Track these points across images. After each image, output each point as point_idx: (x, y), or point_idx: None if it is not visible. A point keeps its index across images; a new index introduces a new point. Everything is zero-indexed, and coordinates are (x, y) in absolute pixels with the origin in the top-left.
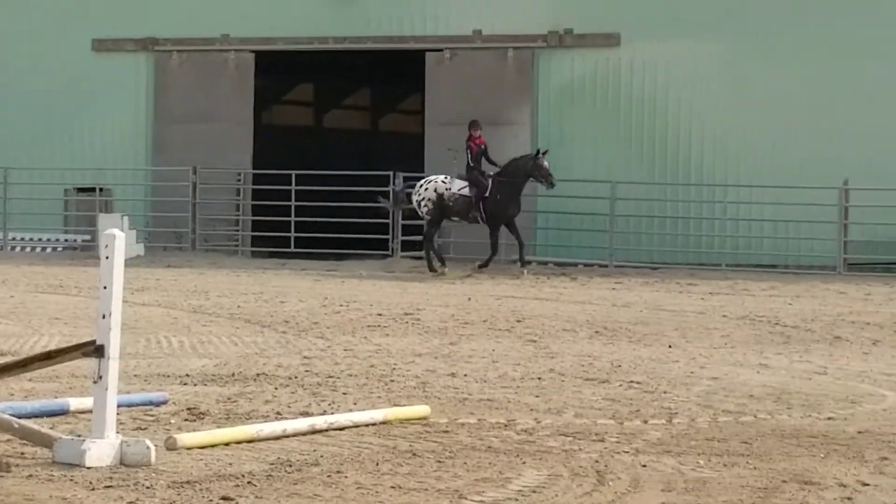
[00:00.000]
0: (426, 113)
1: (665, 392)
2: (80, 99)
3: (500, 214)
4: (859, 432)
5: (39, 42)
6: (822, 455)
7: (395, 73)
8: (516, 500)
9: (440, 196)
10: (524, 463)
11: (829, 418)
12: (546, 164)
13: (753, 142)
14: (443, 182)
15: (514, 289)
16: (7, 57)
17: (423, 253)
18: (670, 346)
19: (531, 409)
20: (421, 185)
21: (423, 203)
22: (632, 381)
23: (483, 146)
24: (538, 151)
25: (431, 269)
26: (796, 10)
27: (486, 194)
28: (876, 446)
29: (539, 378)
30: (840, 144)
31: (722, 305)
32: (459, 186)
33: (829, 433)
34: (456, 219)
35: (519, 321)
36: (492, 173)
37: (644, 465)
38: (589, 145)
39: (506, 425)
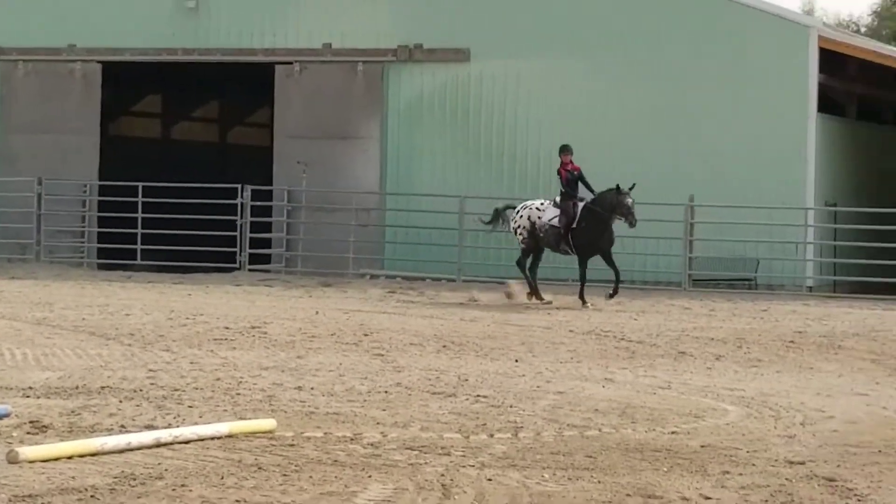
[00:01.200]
0: (275, 126)
1: (511, 406)
2: None
3: (587, 246)
4: (702, 446)
5: None
6: (665, 469)
7: (244, 85)
8: None
9: (532, 224)
10: (370, 477)
11: (672, 432)
12: (630, 201)
13: (601, 158)
14: (536, 210)
15: (362, 303)
16: None
17: (269, 266)
18: (517, 361)
19: (378, 423)
20: (517, 212)
21: (518, 230)
22: (478, 395)
23: (576, 172)
24: (618, 186)
25: (538, 297)
26: (646, 31)
27: (574, 225)
28: (718, 460)
29: (386, 392)
30: (686, 162)
31: (568, 320)
32: (551, 216)
33: (673, 447)
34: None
35: (366, 335)
36: (584, 201)
37: (489, 479)
38: (438, 159)
39: (352, 439)
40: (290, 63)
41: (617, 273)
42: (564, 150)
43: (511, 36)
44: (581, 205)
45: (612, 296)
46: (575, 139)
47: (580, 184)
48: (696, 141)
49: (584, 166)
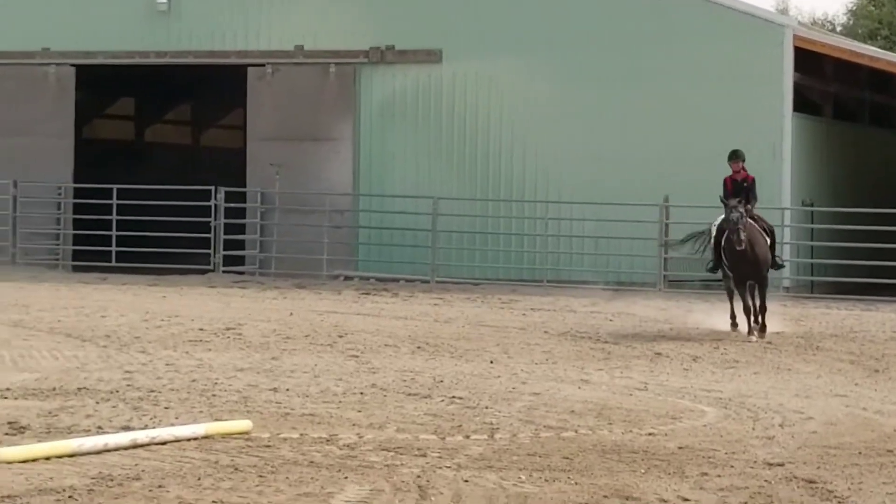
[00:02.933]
0: (248, 128)
1: (487, 407)
2: None
3: (733, 268)
4: (679, 448)
5: None
6: (642, 470)
7: (216, 87)
8: None
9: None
10: (346, 478)
11: (649, 434)
12: (736, 215)
13: (575, 159)
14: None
15: (336, 304)
16: None
17: (243, 268)
18: (492, 362)
19: (353, 424)
20: (710, 229)
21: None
22: (454, 397)
23: (743, 180)
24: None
25: (733, 323)
26: (618, 32)
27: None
28: (696, 462)
29: (361, 393)
30: (660, 162)
31: (543, 321)
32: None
33: (650, 449)
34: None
35: (341, 336)
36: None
37: (466, 481)
38: (411, 161)
39: (328, 440)
40: (263, 65)
41: (762, 303)
42: (734, 156)
43: (483, 37)
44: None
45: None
46: (546, 140)
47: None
48: (670, 141)
49: (554, 167)
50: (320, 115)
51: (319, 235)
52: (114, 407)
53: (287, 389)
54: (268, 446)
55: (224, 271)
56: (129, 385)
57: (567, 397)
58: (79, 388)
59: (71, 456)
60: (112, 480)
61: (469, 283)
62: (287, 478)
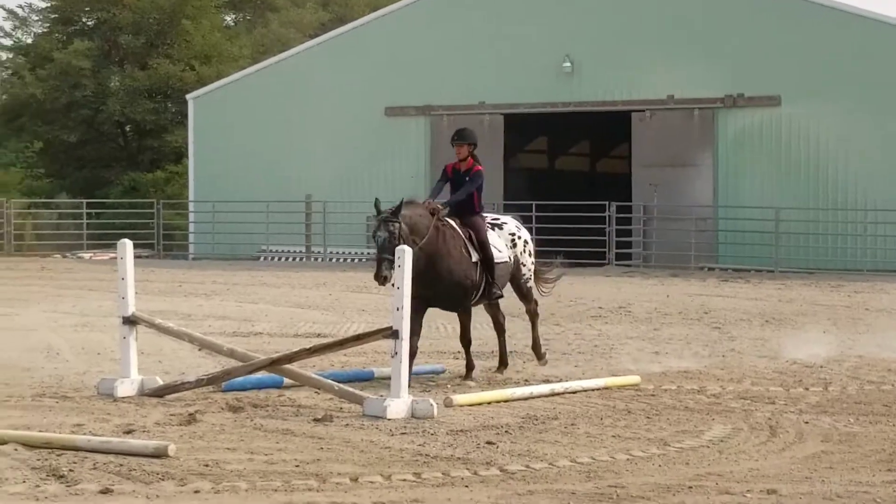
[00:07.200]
0: (632, 157)
1: (821, 367)
2: (376, 150)
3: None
4: None
5: (348, 107)
6: None
7: (607, 128)
8: (707, 447)
9: None
10: (713, 419)
11: None
12: (381, 236)
13: (885, 175)
14: None
15: (702, 289)
16: (327, 118)
17: (630, 262)
18: (824, 332)
19: (717, 379)
20: None
21: None
22: (795, 359)
23: (467, 171)
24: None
25: None
26: None
27: None
28: None
29: (723, 356)
30: None
31: (864, 301)
32: None
33: None
34: None
35: (706, 313)
36: None
37: (806, 422)
38: (757, 179)
39: (698, 391)
40: (643, 111)
41: None
42: (459, 137)
43: (813, 84)
44: None
45: None
46: (861, 161)
47: None
48: None
49: (869, 182)
50: (687, 147)
51: (687, 237)
52: (536, 366)
53: (666, 353)
54: (652, 395)
55: (616, 264)
56: (547, 349)
57: (885, 359)
58: (510, 352)
59: (506, 401)
60: (536, 419)
61: (805, 272)
62: (668, 419)
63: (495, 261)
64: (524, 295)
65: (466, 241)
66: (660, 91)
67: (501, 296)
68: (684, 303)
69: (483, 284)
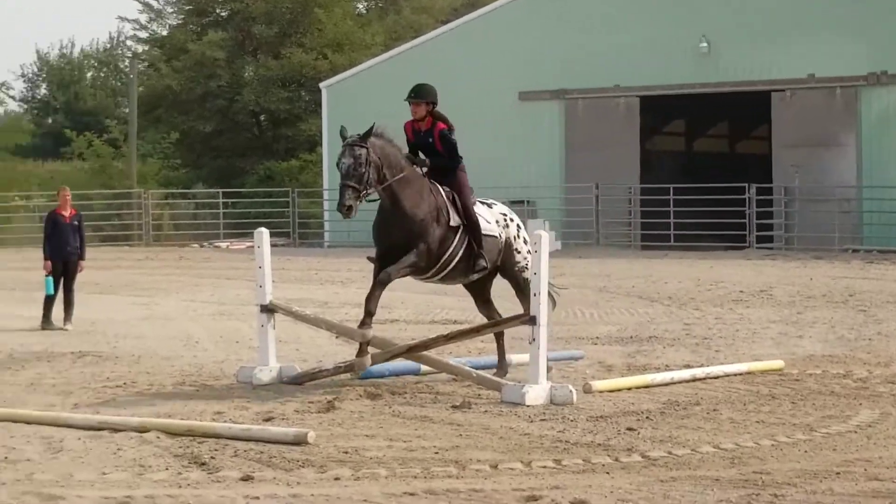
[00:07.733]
0: (773, 138)
1: None
2: (510, 134)
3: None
4: None
5: (481, 92)
6: None
7: (747, 108)
8: (855, 432)
9: None
10: (860, 404)
11: None
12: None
13: None
14: None
15: (846, 271)
16: (460, 104)
17: (771, 245)
18: None
19: (864, 363)
20: None
21: None
22: None
23: (428, 130)
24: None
25: None
26: None
27: None
28: None
29: (869, 339)
30: None
31: None
32: None
33: None
34: None
35: (851, 296)
36: None
37: None
38: None
39: (844, 375)
40: (783, 90)
41: None
42: (414, 93)
43: None
44: None
45: None
46: None
47: None
48: None
49: None
50: (829, 126)
51: (831, 218)
52: (676, 351)
53: (810, 337)
54: (797, 380)
55: (757, 247)
56: (687, 334)
57: None
58: (649, 337)
59: (646, 387)
60: (678, 405)
61: None
62: (813, 404)
63: (483, 232)
64: (521, 289)
65: (448, 202)
66: (800, 70)
67: (486, 268)
68: (828, 286)
69: (463, 252)
